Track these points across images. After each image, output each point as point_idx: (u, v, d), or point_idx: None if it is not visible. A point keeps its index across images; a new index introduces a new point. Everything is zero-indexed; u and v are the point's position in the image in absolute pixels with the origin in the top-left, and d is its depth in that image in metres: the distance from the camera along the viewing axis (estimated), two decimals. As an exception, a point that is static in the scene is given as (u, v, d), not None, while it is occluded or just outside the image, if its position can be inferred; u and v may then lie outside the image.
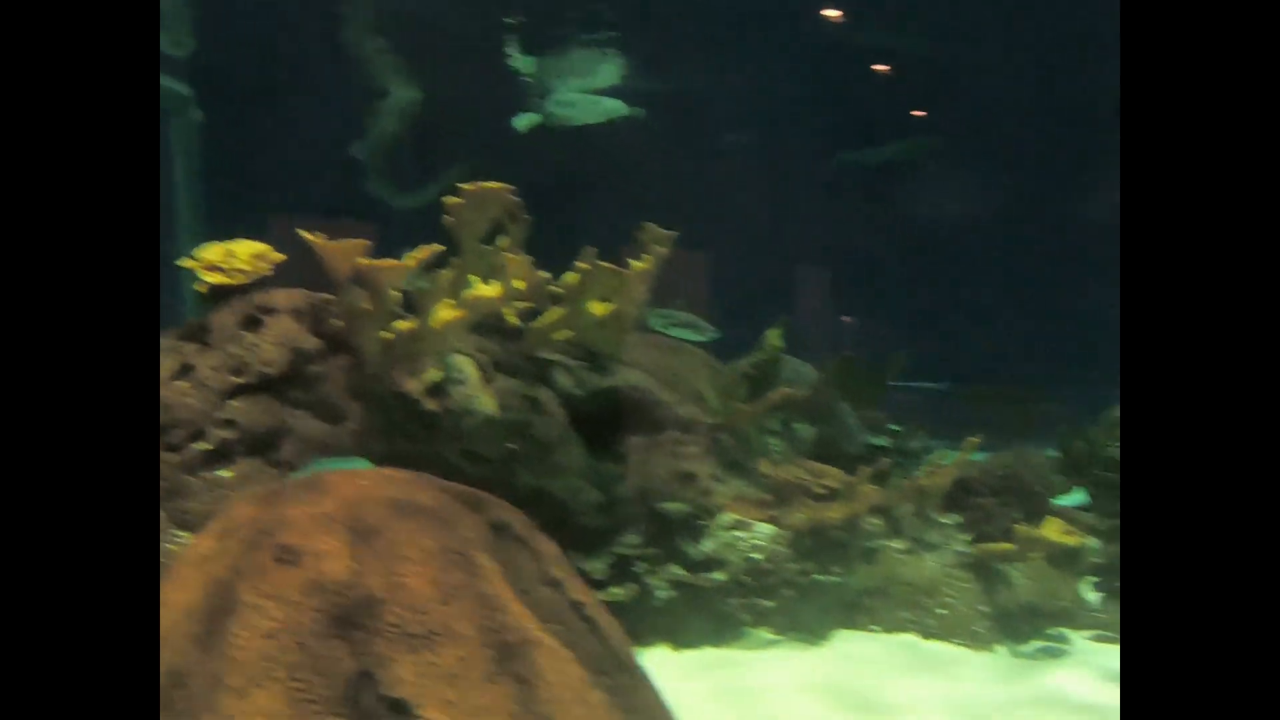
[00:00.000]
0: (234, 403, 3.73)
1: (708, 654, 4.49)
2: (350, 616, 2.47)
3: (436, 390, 3.97)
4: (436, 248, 3.77)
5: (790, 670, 4.31)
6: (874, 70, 13.17)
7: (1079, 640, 5.03)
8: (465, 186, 4.02)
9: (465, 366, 4.08)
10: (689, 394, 5.30)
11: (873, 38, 12.76)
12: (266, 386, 3.78)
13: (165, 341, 3.98)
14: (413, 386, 3.93)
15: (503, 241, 4.25)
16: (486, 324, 4.38)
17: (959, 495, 5.60)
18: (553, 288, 4.48)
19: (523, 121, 11.18)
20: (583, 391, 4.66)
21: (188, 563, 2.64)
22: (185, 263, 4.12)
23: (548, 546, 3.10)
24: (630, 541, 4.59)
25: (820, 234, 13.94)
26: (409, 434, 3.95)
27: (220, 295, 4.07)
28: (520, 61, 11.28)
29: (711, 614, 4.61)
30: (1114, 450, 5.89)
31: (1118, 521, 5.69)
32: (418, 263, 3.70)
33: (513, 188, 4.16)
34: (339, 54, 11.38)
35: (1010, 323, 13.31)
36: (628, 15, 11.22)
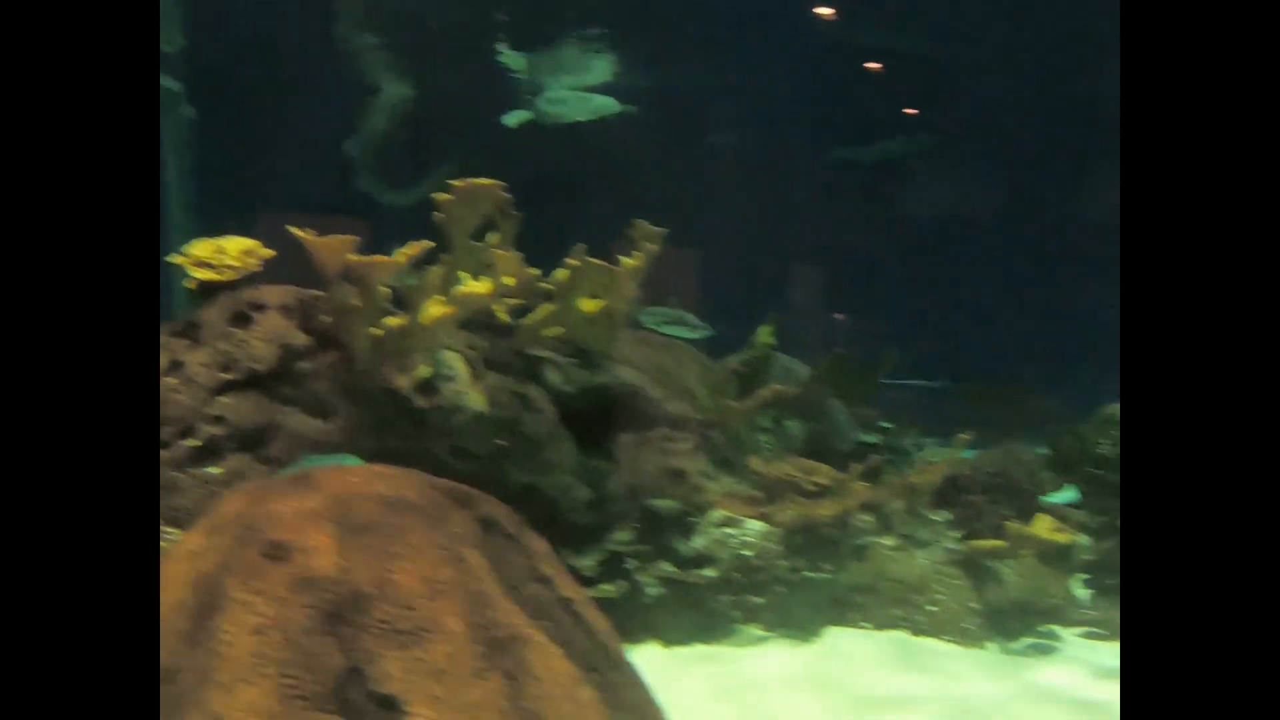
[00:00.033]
0: (223, 399, 3.72)
1: (698, 651, 4.49)
2: (339, 612, 2.46)
3: (426, 387, 3.97)
4: (426, 244, 3.76)
5: (781, 667, 4.31)
6: (868, 68, 13.17)
7: (1069, 637, 5.05)
8: (455, 183, 4.01)
9: (455, 363, 4.08)
10: (680, 391, 5.30)
11: (866, 35, 12.76)
12: (256, 383, 3.77)
13: (155, 338, 3.97)
14: (402, 383, 3.92)
15: (493, 238, 4.25)
16: (477, 321, 4.37)
17: (950, 492, 5.60)
18: (543, 284, 4.47)
19: (513, 119, 11.17)
20: (573, 388, 4.66)
21: (176, 559, 2.63)
22: (174, 259, 4.11)
23: (537, 543, 3.10)
24: (621, 538, 4.59)
25: (813, 231, 13.94)
26: (399, 430, 3.95)
27: (209, 291, 4.06)
28: (511, 59, 11.27)
29: (702, 611, 4.61)
30: (1104, 448, 5.89)
31: (1108, 519, 5.70)
32: (408, 259, 3.69)
33: (503, 184, 4.15)
34: (331, 50, 11.36)
35: (1004, 321, 13.31)
36: (621, 12, 11.22)
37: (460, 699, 2.40)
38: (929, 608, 4.86)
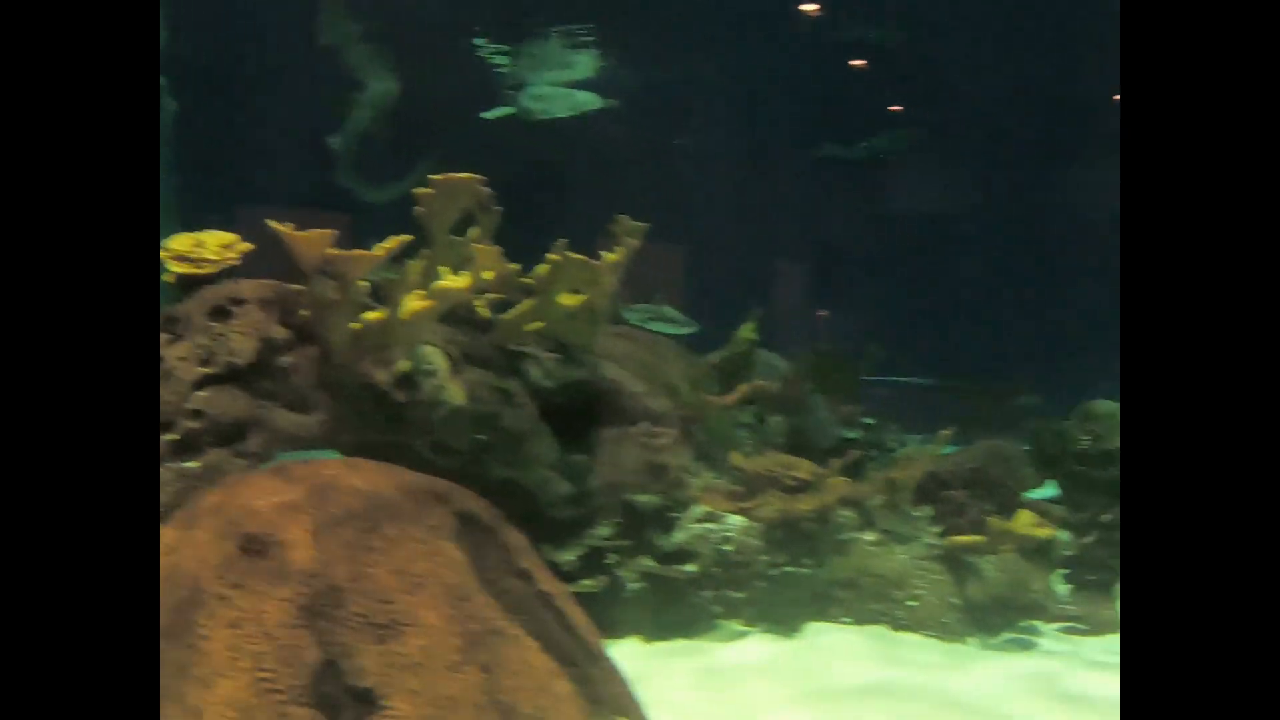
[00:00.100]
0: (201, 393, 3.71)
1: (678, 645, 4.49)
2: (316, 606, 2.47)
3: (406, 381, 3.96)
4: (405, 238, 3.75)
5: (761, 661, 4.31)
6: (856, 64, 13.18)
7: (1049, 632, 5.06)
8: (435, 177, 4.01)
9: (435, 358, 4.07)
10: (661, 386, 5.30)
11: (853, 31, 12.76)
12: (234, 377, 3.76)
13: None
14: (382, 377, 3.92)
15: (473, 232, 4.24)
16: (457, 316, 4.37)
17: (931, 488, 5.61)
18: (524, 279, 4.47)
19: (493, 113, 11.16)
20: (553, 383, 4.66)
21: (152, 552, 2.63)
22: (154, 253, 4.10)
23: (516, 538, 3.10)
24: (601, 533, 4.59)
25: (799, 228, 13.96)
26: (378, 425, 3.94)
27: (188, 285, 4.05)
28: (490, 51, 11.26)
29: (683, 606, 4.61)
30: (1085, 444, 5.90)
31: (1088, 514, 5.72)
32: (386, 253, 3.69)
33: (484, 179, 4.15)
34: (315, 44, 11.34)
35: (990, 317, 13.35)
36: (605, 8, 11.21)
37: (436, 692, 2.41)
38: (909, 603, 4.87)
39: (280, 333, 3.91)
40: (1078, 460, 5.92)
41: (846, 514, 5.12)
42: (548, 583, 3.09)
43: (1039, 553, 5.32)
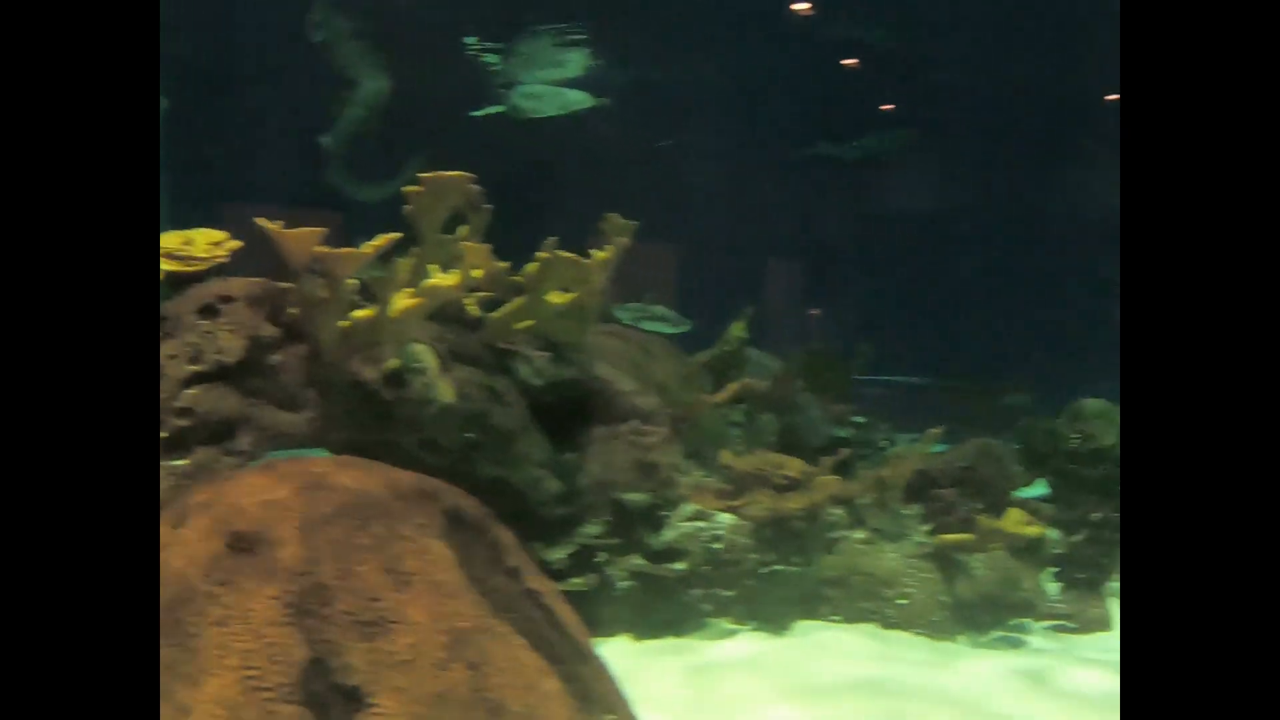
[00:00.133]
0: (190, 391, 3.70)
1: (668, 644, 4.49)
2: (303, 604, 2.47)
3: (395, 379, 3.96)
4: (394, 236, 3.75)
5: (750, 660, 4.31)
6: (849, 63, 13.18)
7: (1039, 630, 5.08)
8: (424, 175, 4.00)
9: (424, 356, 4.07)
10: (651, 384, 5.30)
11: (846, 30, 12.76)
12: (223, 375, 3.76)
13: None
14: (371, 375, 3.92)
15: (463, 230, 4.24)
16: (447, 314, 4.37)
17: (921, 486, 5.62)
18: (513, 278, 4.47)
19: (481, 111, 11.15)
20: (543, 382, 4.66)
21: (139, 550, 2.63)
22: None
23: (504, 535, 3.10)
24: (591, 531, 4.59)
25: (793, 227, 13.97)
26: (367, 423, 3.94)
27: (177, 283, 4.04)
28: (483, 51, 11.25)
29: (672, 604, 4.62)
30: (1075, 442, 5.92)
31: (1078, 513, 5.73)
32: (375, 251, 3.69)
33: (474, 177, 4.15)
34: (307, 42, 11.31)
35: (984, 316, 13.36)
36: (598, 6, 11.20)
37: (424, 690, 2.40)
38: (899, 601, 4.88)
39: (269, 331, 3.90)
40: (1067, 459, 5.94)
41: (836, 512, 5.13)
42: (536, 581, 3.09)
43: (1029, 551, 5.33)
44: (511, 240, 4.51)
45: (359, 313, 3.78)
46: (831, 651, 4.45)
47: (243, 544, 2.56)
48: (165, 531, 2.69)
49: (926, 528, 5.37)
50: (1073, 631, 5.11)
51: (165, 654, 2.38)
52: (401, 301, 3.78)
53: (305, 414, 3.85)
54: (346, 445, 3.62)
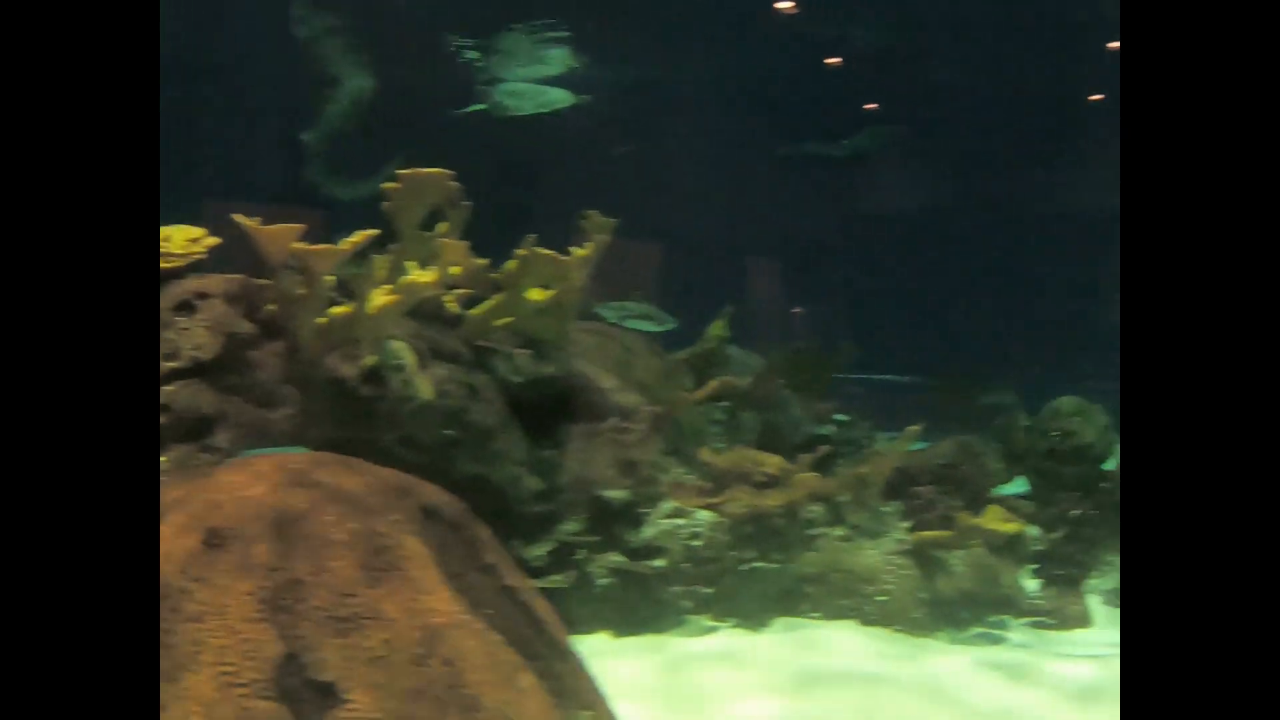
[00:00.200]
0: (167, 388, 3.69)
1: (647, 640, 4.49)
2: (278, 600, 2.46)
3: (373, 376, 3.96)
4: (371, 233, 3.75)
5: (729, 656, 4.32)
6: (834, 61, 13.18)
7: (1018, 627, 5.08)
8: (403, 172, 4.00)
9: (403, 352, 4.07)
10: (632, 382, 5.30)
11: (833, 29, 12.76)
12: (199, 371, 3.75)
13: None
14: (349, 372, 3.91)
15: (441, 227, 4.24)
16: (426, 311, 4.36)
17: (900, 484, 5.63)
18: (492, 275, 4.47)
19: (465, 110, 11.13)
20: (522, 379, 4.65)
21: (113, 546, 2.62)
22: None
23: (481, 532, 3.10)
24: (570, 529, 4.59)
25: (779, 225, 13.97)
26: (346, 420, 3.93)
27: (155, 280, 4.04)
28: (465, 48, 11.23)
29: (652, 601, 4.62)
30: (1053, 440, 5.94)
31: (1057, 510, 5.75)
32: (353, 248, 3.68)
33: (452, 173, 4.14)
34: (289, 38, 11.28)
35: (967, 315, 13.39)
36: (584, 3, 11.19)
37: (398, 685, 2.40)
38: (878, 598, 4.88)
39: (247, 328, 3.90)
40: (1046, 456, 5.96)
41: (816, 510, 5.13)
42: (513, 577, 3.09)
43: (1008, 548, 5.34)
44: (498, 237, 4.51)
45: (336, 309, 3.77)
46: (811, 648, 4.46)
47: (218, 540, 2.56)
48: (141, 528, 2.69)
49: (906, 525, 5.38)
50: (1052, 628, 5.12)
51: (141, 650, 2.38)
52: (379, 298, 3.78)
53: (283, 411, 3.85)
54: (325, 442, 3.62)
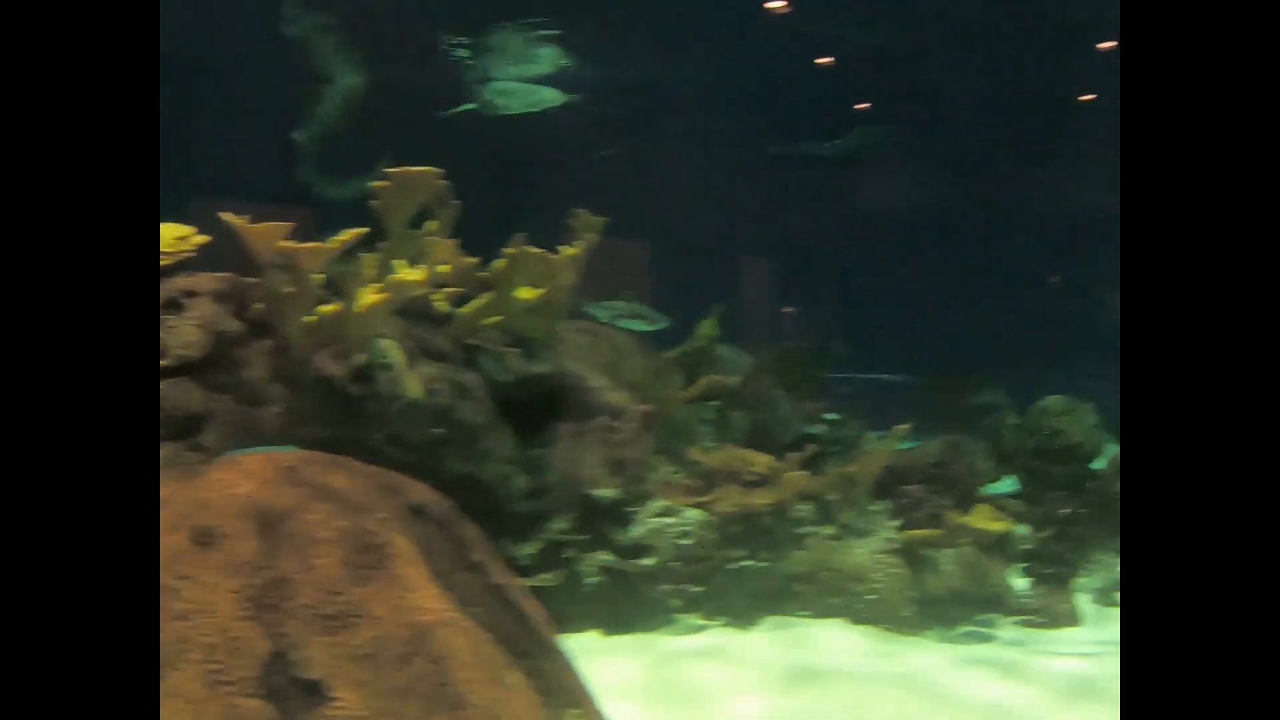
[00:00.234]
0: (156, 386, 3.69)
1: (637, 639, 4.49)
2: (265, 598, 2.46)
3: (361, 375, 3.96)
4: (360, 231, 3.75)
5: (719, 654, 4.32)
6: (830, 61, 13.18)
7: (1007, 625, 5.08)
8: (392, 170, 4.00)
9: (391, 351, 4.07)
10: (621, 381, 5.30)
11: (826, 28, 12.76)
12: (187, 370, 3.75)
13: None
14: (337, 370, 3.91)
15: (430, 225, 4.24)
16: (415, 310, 4.36)
17: (890, 483, 5.63)
18: (481, 274, 4.47)
19: (454, 110, 11.11)
20: (511, 377, 4.65)
21: (100, 544, 2.62)
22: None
23: (468, 530, 3.10)
24: (559, 527, 4.59)
25: (772, 225, 13.97)
26: (335, 419, 3.93)
27: (143, 278, 4.02)
28: (457, 46, 11.21)
29: (641, 599, 4.62)
30: (1042, 439, 5.96)
31: (1046, 509, 5.76)
32: (341, 245, 3.68)
33: (441, 172, 4.15)
34: (281, 36, 11.26)
35: (959, 314, 13.40)
36: (575, 2, 11.18)
37: (385, 683, 2.40)
38: (868, 597, 4.88)
39: (235, 325, 3.89)
40: (1035, 455, 5.97)
41: (805, 508, 5.13)
42: (501, 575, 3.09)
43: (997, 547, 5.35)
44: (489, 236, 4.51)
45: (325, 308, 3.77)
46: (799, 646, 4.47)
47: (205, 539, 2.56)
48: (128, 526, 2.68)
49: (895, 524, 5.38)
50: (1041, 626, 5.12)
51: (128, 648, 2.38)
52: (368, 297, 3.78)
53: (271, 409, 3.84)
54: (314, 441, 3.61)
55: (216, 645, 2.36)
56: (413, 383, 4.07)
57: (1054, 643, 4.85)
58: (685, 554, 4.70)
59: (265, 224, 3.65)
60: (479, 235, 4.57)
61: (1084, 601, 5.40)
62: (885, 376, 11.42)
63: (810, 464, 5.25)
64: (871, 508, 5.48)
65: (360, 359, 3.94)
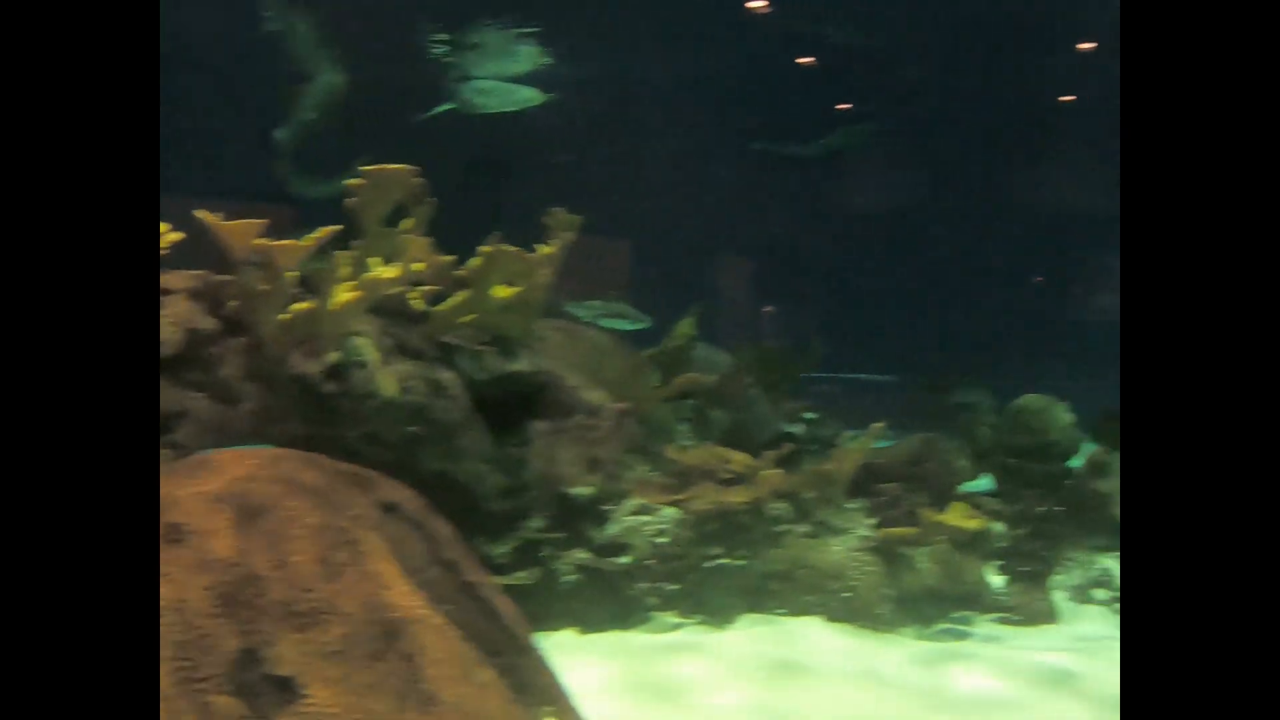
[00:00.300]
0: (130, 384, 3.67)
1: (613, 637, 4.49)
2: (236, 595, 2.46)
3: (336, 373, 3.95)
4: (334, 228, 3.74)
5: (694, 652, 4.32)
6: (811, 60, 13.19)
7: (983, 623, 5.11)
8: (366, 168, 4.00)
9: (366, 349, 4.06)
10: (598, 379, 5.31)
11: (809, 27, 12.77)
12: (161, 368, 3.73)
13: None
14: (312, 369, 3.90)
15: (406, 223, 4.24)
16: (390, 308, 4.36)
17: (866, 481, 5.65)
18: (457, 272, 4.47)
19: (432, 112, 11.08)
20: (487, 375, 4.65)
21: (70, 541, 2.62)
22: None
23: (441, 528, 3.10)
24: (535, 526, 4.59)
25: (753, 224, 13.98)
26: (309, 417, 3.92)
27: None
28: (436, 43, 11.19)
29: (618, 598, 4.62)
30: (1018, 438, 5.98)
31: (1022, 507, 5.78)
32: (315, 243, 3.68)
33: (417, 169, 4.14)
34: (261, 33, 11.23)
35: (939, 313, 13.44)
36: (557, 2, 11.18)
37: (356, 680, 2.40)
38: (844, 594, 4.89)
39: (209, 323, 3.88)
40: (1011, 453, 5.99)
41: (781, 507, 5.14)
42: (474, 573, 3.09)
43: (973, 544, 5.37)
44: (472, 234, 4.51)
45: (299, 305, 3.76)
46: (776, 644, 4.47)
47: (176, 535, 2.55)
48: (100, 524, 2.68)
49: (871, 521, 5.40)
50: (1017, 624, 5.15)
51: (99, 646, 2.38)
52: (342, 294, 3.77)
53: (245, 407, 3.83)
54: (289, 439, 3.61)
55: (187, 642, 2.36)
56: (387, 381, 4.06)
57: (1030, 639, 4.87)
58: (662, 552, 4.70)
59: (240, 221, 3.65)
60: (460, 233, 4.57)
61: (1060, 599, 5.43)
62: (868, 376, 11.46)
63: (787, 462, 5.26)
64: (848, 506, 5.49)
65: (335, 357, 3.93)
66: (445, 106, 10.96)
